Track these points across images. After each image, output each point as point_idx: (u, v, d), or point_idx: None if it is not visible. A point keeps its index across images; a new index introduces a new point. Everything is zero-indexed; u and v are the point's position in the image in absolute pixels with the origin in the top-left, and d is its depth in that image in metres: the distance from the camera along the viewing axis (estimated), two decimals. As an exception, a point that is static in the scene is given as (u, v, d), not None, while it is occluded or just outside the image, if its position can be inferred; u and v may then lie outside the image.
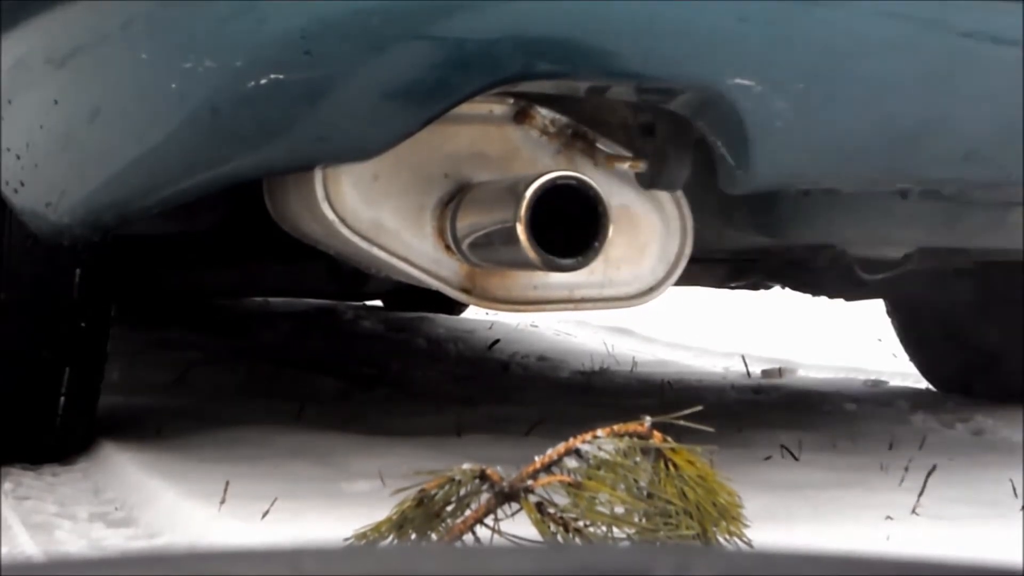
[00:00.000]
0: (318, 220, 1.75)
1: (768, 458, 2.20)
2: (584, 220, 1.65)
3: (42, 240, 2.05)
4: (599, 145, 1.81)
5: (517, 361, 3.73)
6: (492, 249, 1.72)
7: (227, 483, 1.86)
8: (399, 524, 1.42)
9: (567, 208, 1.64)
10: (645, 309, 2.02)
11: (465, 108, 1.67)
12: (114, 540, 1.79)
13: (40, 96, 1.87)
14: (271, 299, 4.76)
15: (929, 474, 1.97)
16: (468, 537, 1.42)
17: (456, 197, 1.76)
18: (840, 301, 2.82)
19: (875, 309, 3.50)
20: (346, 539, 1.43)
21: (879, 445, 2.37)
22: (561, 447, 1.42)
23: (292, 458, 2.11)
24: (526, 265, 1.69)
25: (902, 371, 3.48)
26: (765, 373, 3.58)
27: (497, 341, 4.07)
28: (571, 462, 1.41)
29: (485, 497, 1.41)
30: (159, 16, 1.65)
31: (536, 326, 4.78)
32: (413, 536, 1.41)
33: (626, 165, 1.81)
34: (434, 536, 1.41)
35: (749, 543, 1.46)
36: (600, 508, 1.40)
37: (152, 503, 1.91)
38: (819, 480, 2.04)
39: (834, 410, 2.90)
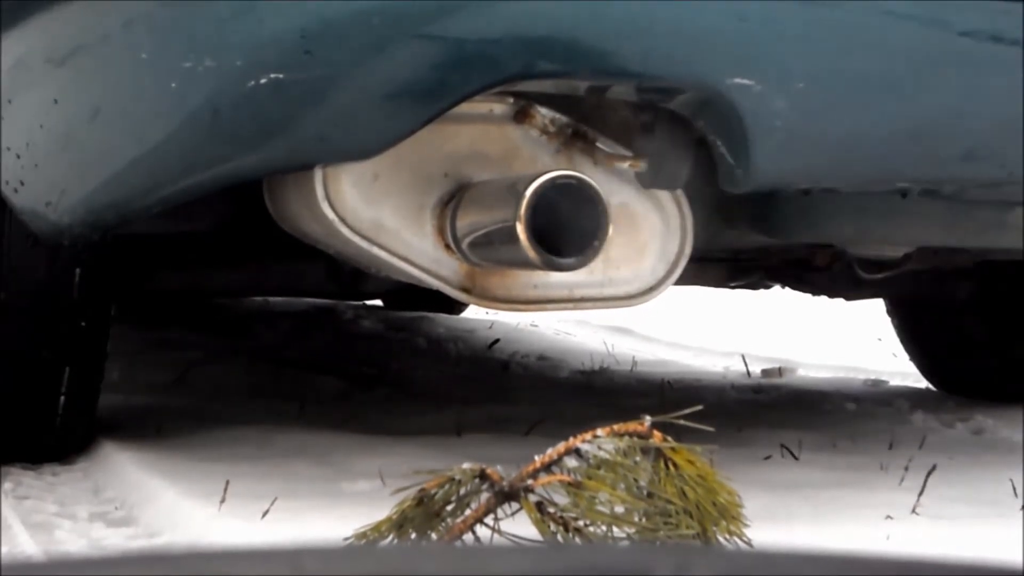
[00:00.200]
0: (318, 220, 1.75)
1: (768, 458, 2.20)
2: (584, 219, 1.65)
3: (42, 240, 2.05)
4: (599, 144, 1.81)
5: (517, 361, 3.73)
6: (492, 248, 1.72)
7: (227, 482, 1.86)
8: (399, 524, 1.42)
9: (567, 207, 1.64)
10: (645, 308, 2.02)
11: (465, 108, 1.67)
12: (114, 539, 1.79)
13: (40, 96, 1.87)
14: (271, 299, 4.76)
15: (929, 474, 1.97)
16: (468, 537, 1.42)
17: (456, 196, 1.76)
18: (840, 301, 2.82)
19: (875, 309, 3.50)
20: (346, 538, 1.43)
21: (879, 445, 2.37)
22: (561, 447, 1.42)
23: (292, 458, 2.11)
24: (526, 264, 1.69)
25: (902, 371, 3.48)
26: (765, 373, 3.58)
27: (497, 341, 4.07)
28: (571, 461, 1.41)
29: (485, 497, 1.41)
30: (159, 16, 1.65)
31: (536, 325, 4.78)
32: (413, 536, 1.41)
33: (626, 164, 1.81)
34: (434, 536, 1.41)
35: (749, 543, 1.46)
36: (600, 508, 1.40)
37: (152, 502, 1.91)
38: (819, 480, 2.04)
39: (834, 410, 2.90)
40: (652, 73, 1.64)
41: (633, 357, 3.81)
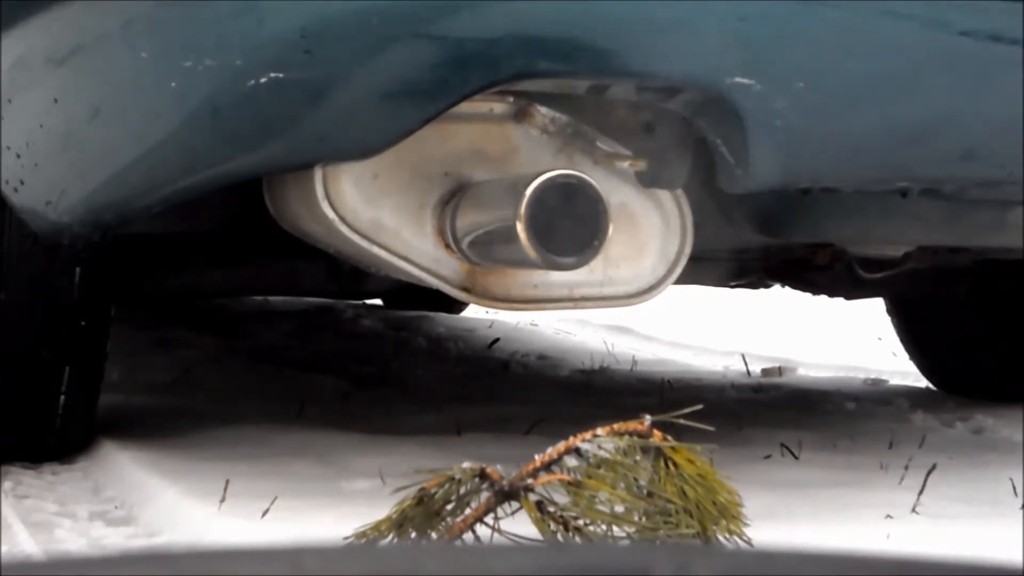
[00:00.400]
0: (318, 219, 1.75)
1: (768, 457, 2.20)
2: (584, 219, 1.65)
3: (42, 239, 2.05)
4: (599, 144, 1.81)
5: (517, 360, 3.73)
6: (492, 247, 1.72)
7: (227, 482, 1.86)
8: (399, 523, 1.42)
9: (567, 207, 1.64)
10: (645, 308, 2.02)
11: (465, 107, 1.67)
12: (114, 539, 1.79)
13: (40, 95, 1.87)
14: (271, 299, 4.76)
15: (929, 473, 1.97)
16: (468, 536, 1.42)
17: (456, 196, 1.76)
18: (840, 300, 2.82)
19: (875, 308, 3.50)
20: (346, 538, 1.43)
21: (879, 444, 2.37)
22: (561, 446, 1.43)
23: (292, 457, 2.11)
24: (526, 263, 1.69)
25: (902, 370, 3.48)
26: (765, 372, 3.58)
27: (497, 340, 4.07)
28: (571, 461, 1.41)
29: (485, 496, 1.41)
30: (159, 16, 1.65)
31: (536, 325, 4.77)
32: (413, 535, 1.41)
33: (626, 164, 1.81)
34: (434, 535, 1.41)
35: (749, 542, 1.46)
36: (600, 507, 1.40)
37: (152, 502, 1.91)
38: (819, 479, 2.04)
39: (834, 409, 2.90)
40: (652, 73, 1.64)
41: (633, 357, 3.81)
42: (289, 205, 1.84)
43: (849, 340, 4.19)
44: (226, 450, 2.17)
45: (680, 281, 1.95)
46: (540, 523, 1.39)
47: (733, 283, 2.72)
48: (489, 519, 1.42)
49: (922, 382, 3.29)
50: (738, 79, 1.62)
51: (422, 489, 1.42)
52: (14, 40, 1.87)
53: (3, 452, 2.23)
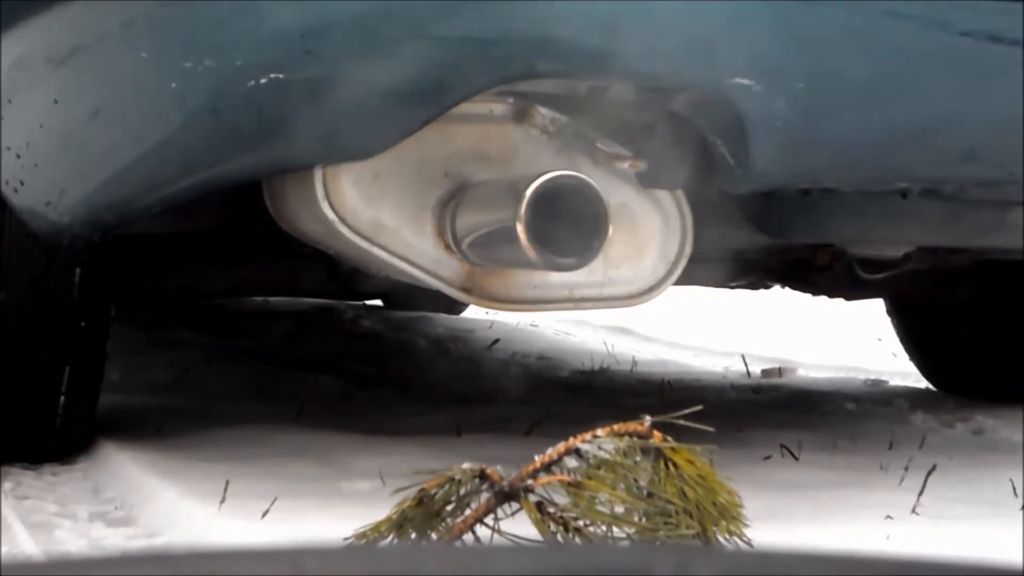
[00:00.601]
0: (318, 219, 1.75)
1: (768, 458, 2.20)
2: (584, 219, 1.65)
3: (42, 239, 2.05)
4: (599, 144, 1.81)
5: (517, 360, 3.73)
6: (492, 248, 1.72)
7: (227, 482, 1.86)
8: (399, 523, 1.42)
9: (567, 207, 1.64)
10: (645, 308, 2.02)
11: (465, 107, 1.67)
12: (114, 539, 1.79)
13: (40, 95, 1.87)
14: (271, 299, 4.76)
15: (929, 474, 1.97)
16: (468, 536, 1.42)
17: (456, 196, 1.76)
18: (840, 301, 2.82)
19: (875, 309, 3.50)
20: (346, 538, 1.43)
21: (879, 445, 2.37)
22: (561, 446, 1.42)
23: (292, 458, 2.11)
24: (526, 264, 1.69)
25: (902, 371, 3.48)
26: (765, 373, 3.58)
27: (497, 340, 4.07)
28: (571, 461, 1.41)
29: (485, 496, 1.41)
30: (159, 16, 1.65)
31: (536, 325, 4.77)
32: (413, 535, 1.41)
33: (626, 164, 1.81)
34: (434, 535, 1.41)
35: (749, 543, 1.46)
36: (600, 508, 1.40)
37: (152, 502, 1.91)
38: (819, 480, 2.04)
39: (834, 410, 2.90)
40: (652, 73, 1.64)
41: (633, 357, 3.81)
42: (289, 205, 1.84)
43: (849, 341, 4.19)
44: (226, 450, 2.17)
45: (680, 281, 1.95)
46: (540, 524, 1.39)
47: (733, 283, 2.72)
48: (489, 520, 1.42)
49: (922, 382, 3.29)
50: (738, 79, 1.62)
51: (422, 490, 1.42)
52: (14, 40, 1.87)
53: (3, 452, 2.23)
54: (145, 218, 1.97)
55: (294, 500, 1.80)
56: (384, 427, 2.40)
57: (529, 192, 1.62)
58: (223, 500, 1.81)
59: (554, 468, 1.41)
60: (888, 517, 1.78)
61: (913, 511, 1.83)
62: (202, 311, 4.44)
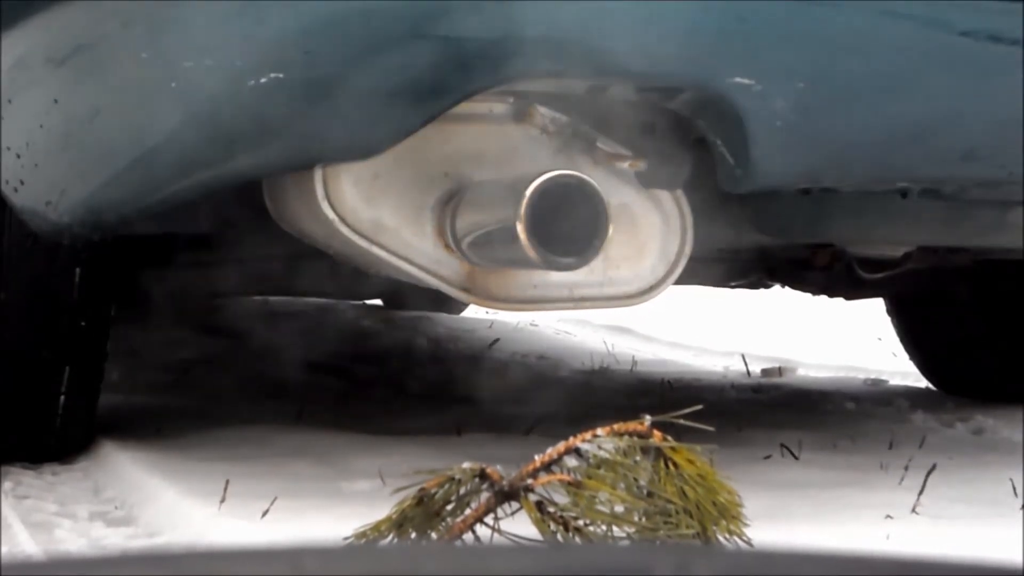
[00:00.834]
0: (318, 219, 1.75)
1: (768, 457, 2.20)
2: (584, 219, 1.65)
3: (42, 239, 2.05)
4: (599, 144, 1.81)
5: (517, 360, 3.73)
6: (492, 248, 1.72)
7: (227, 482, 1.86)
8: (399, 523, 1.42)
9: (567, 207, 1.64)
10: (645, 308, 2.02)
11: (465, 107, 1.67)
12: (114, 539, 1.79)
13: (40, 95, 1.87)
14: (271, 299, 4.76)
15: (929, 473, 1.97)
16: (468, 536, 1.42)
17: (456, 196, 1.76)
18: (840, 300, 2.82)
19: (875, 308, 3.50)
20: (346, 538, 1.43)
21: (879, 444, 2.37)
22: (561, 446, 1.42)
23: (292, 457, 2.11)
24: (526, 264, 1.69)
25: (902, 370, 3.48)
26: (765, 372, 3.58)
27: (497, 340, 4.07)
28: (571, 461, 1.41)
29: (485, 496, 1.41)
30: (159, 16, 1.65)
31: (536, 325, 4.77)
32: (413, 535, 1.41)
33: (626, 164, 1.81)
34: (434, 535, 1.41)
35: (749, 542, 1.46)
36: (600, 507, 1.40)
37: (152, 502, 1.91)
38: (819, 479, 2.04)
39: (834, 409, 2.90)
40: (652, 73, 1.64)
41: (633, 357, 3.81)
42: (289, 205, 1.84)
43: (849, 340, 4.19)
44: (226, 450, 2.17)
45: (680, 281, 1.95)
46: (540, 523, 1.39)
47: (733, 283, 2.72)
48: (489, 519, 1.42)
49: (922, 382, 3.29)
50: (738, 79, 1.62)
51: (422, 489, 1.42)
52: (14, 40, 1.87)
53: (3, 452, 2.23)
54: (145, 218, 1.97)
55: (294, 500, 1.80)
56: (384, 427, 2.40)
57: (529, 192, 1.62)
58: (223, 500, 1.81)
59: (554, 468, 1.41)
60: (888, 517, 1.78)
61: (913, 511, 1.83)
62: (202, 311, 4.43)
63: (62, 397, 2.20)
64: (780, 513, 1.77)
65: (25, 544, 1.75)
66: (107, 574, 0.56)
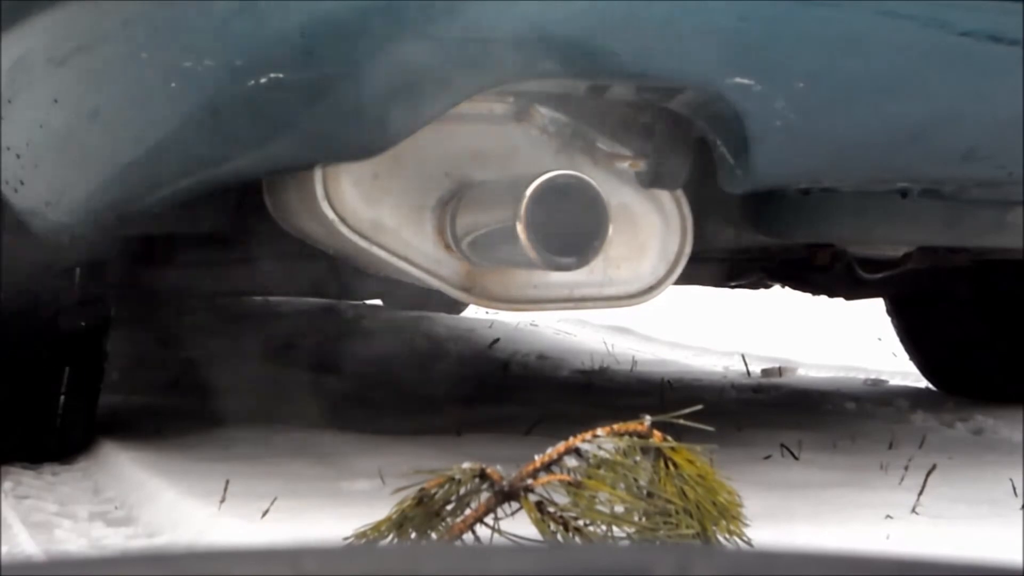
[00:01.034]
0: (318, 219, 1.75)
1: (768, 457, 2.20)
2: (584, 219, 1.65)
3: (42, 239, 2.05)
4: (599, 144, 1.81)
5: (517, 360, 3.73)
6: (492, 248, 1.72)
7: (227, 482, 1.86)
8: (399, 523, 1.42)
9: (567, 207, 1.64)
10: (645, 308, 2.02)
11: (465, 107, 1.67)
12: (114, 539, 1.80)
13: (40, 95, 1.87)
14: (271, 299, 4.76)
15: (929, 473, 1.97)
16: (468, 536, 1.42)
17: (456, 196, 1.76)
18: (840, 300, 2.82)
19: (875, 308, 3.50)
20: (346, 538, 1.43)
21: (879, 444, 2.37)
22: (561, 446, 1.42)
23: (292, 457, 2.11)
24: (526, 264, 1.69)
25: (902, 370, 3.48)
26: (765, 372, 3.58)
27: (497, 340, 4.07)
28: (571, 461, 1.41)
29: (485, 496, 1.41)
30: (159, 16, 1.65)
31: (536, 325, 4.77)
32: (413, 535, 1.41)
33: (626, 164, 1.81)
34: (434, 535, 1.41)
35: (749, 542, 1.46)
36: (600, 507, 1.40)
37: (152, 502, 1.91)
38: (819, 479, 2.04)
39: (834, 409, 2.90)
40: (652, 73, 1.64)
41: (633, 357, 3.81)
42: (289, 205, 1.84)
43: (849, 340, 4.19)
44: (226, 450, 2.17)
45: (680, 281, 1.95)
46: (540, 523, 1.39)
47: (733, 283, 2.72)
48: (489, 519, 1.42)
49: (922, 382, 3.29)
50: (738, 79, 1.62)
51: (422, 489, 1.42)
52: (14, 40, 1.87)
53: (3, 452, 2.23)
54: (145, 218, 1.97)
55: (294, 500, 1.80)
56: (384, 427, 2.40)
57: (529, 192, 1.62)
58: (223, 500, 1.81)
59: (554, 468, 1.41)
60: (888, 517, 1.78)
61: (913, 511, 1.83)
62: (202, 311, 4.44)
63: (62, 397, 2.20)
64: (780, 513, 1.77)
65: (25, 544, 1.75)
66: (107, 574, 0.56)
